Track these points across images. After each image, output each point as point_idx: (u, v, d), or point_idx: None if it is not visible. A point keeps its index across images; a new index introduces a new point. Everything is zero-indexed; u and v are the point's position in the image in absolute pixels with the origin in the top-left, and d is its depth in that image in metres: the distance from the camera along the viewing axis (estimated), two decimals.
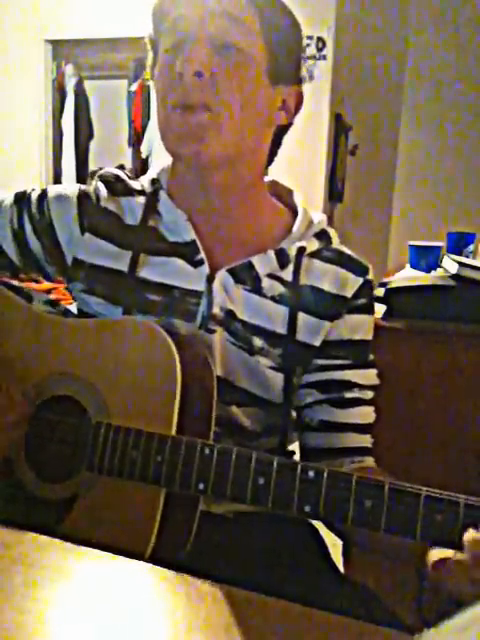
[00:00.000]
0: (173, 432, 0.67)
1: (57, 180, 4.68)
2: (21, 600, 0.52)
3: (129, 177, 0.91)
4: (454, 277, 1.39)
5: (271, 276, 0.83)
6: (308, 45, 3.71)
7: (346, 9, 3.83)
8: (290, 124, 0.85)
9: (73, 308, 0.91)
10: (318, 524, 0.84)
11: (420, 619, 0.61)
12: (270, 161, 0.87)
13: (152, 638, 0.50)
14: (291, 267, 0.83)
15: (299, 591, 0.61)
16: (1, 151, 4.53)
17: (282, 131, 0.86)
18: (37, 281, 0.96)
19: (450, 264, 1.42)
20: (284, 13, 0.79)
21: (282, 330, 0.82)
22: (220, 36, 0.74)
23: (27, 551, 0.59)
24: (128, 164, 4.70)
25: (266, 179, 0.89)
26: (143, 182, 0.89)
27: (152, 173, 0.89)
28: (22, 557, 0.58)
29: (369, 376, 0.86)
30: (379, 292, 1.42)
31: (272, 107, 0.80)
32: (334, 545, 0.92)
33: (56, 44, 4.51)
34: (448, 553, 0.58)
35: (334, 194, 4.02)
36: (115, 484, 0.69)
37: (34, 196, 0.89)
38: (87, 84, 4.66)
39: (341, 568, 0.96)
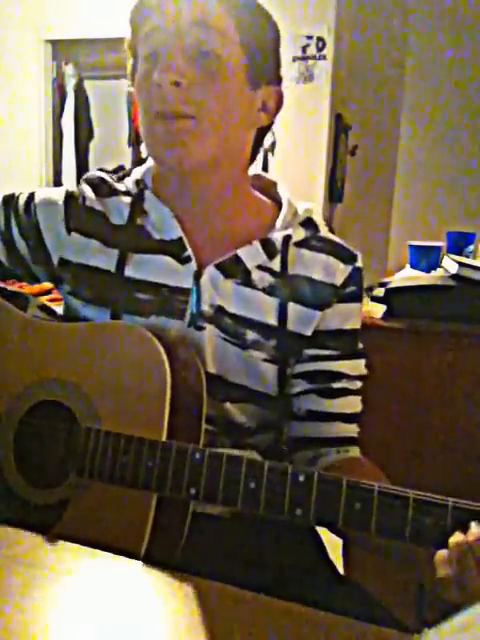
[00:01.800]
0: (164, 435, 0.67)
1: (57, 180, 4.68)
2: (21, 600, 0.52)
3: (114, 179, 0.91)
4: (454, 277, 1.39)
5: (260, 268, 0.83)
6: (308, 45, 3.71)
7: (346, 9, 3.83)
8: (271, 124, 0.85)
9: (60, 310, 0.91)
10: None
11: (420, 619, 0.61)
12: (251, 160, 0.87)
13: (152, 638, 0.50)
14: (279, 257, 0.83)
15: (297, 591, 0.61)
16: (1, 151, 4.53)
17: (263, 131, 0.86)
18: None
19: (450, 264, 1.42)
20: (260, 16, 0.79)
21: (274, 321, 0.82)
22: (197, 45, 0.74)
23: (27, 551, 0.59)
24: (128, 164, 4.69)
25: (251, 172, 0.89)
26: (127, 183, 0.89)
27: (136, 174, 0.90)
28: (22, 557, 0.58)
29: (357, 366, 0.87)
30: (379, 292, 1.42)
31: (252, 110, 0.80)
32: (334, 545, 0.92)
33: (56, 44, 4.50)
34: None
35: (334, 194, 4.02)
36: (106, 488, 0.69)
37: (22, 199, 0.90)
38: (87, 84, 4.65)
39: (340, 568, 0.96)
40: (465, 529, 0.55)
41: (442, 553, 0.56)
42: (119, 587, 0.56)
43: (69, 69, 4.57)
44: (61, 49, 4.54)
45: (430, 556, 0.59)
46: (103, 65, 4.61)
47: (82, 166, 4.64)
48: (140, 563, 0.59)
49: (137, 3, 0.80)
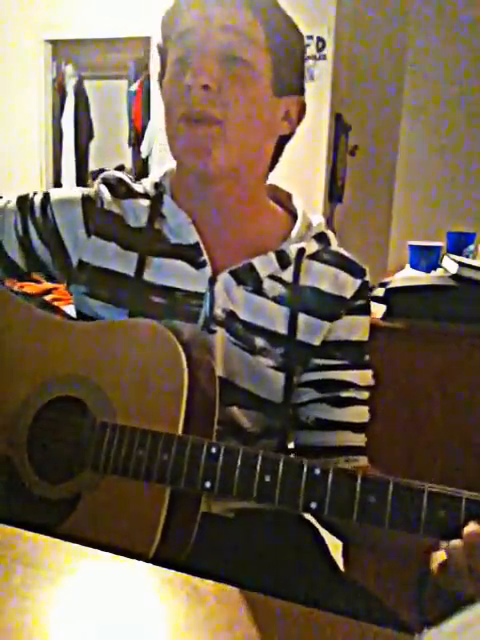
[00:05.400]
0: (179, 432, 0.67)
1: (57, 180, 4.68)
2: (21, 600, 0.52)
3: (131, 180, 0.91)
4: (454, 277, 1.38)
5: (272, 277, 0.83)
6: (308, 45, 3.71)
7: (346, 9, 3.83)
8: (292, 133, 0.86)
9: (68, 309, 0.91)
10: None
11: (420, 619, 0.61)
12: (271, 168, 0.88)
13: (152, 638, 0.50)
14: (291, 268, 0.84)
15: (299, 591, 0.62)
16: (1, 151, 4.53)
17: (284, 140, 0.87)
18: (38, 281, 0.97)
19: (450, 264, 1.42)
20: (289, 26, 0.81)
21: (283, 330, 0.83)
22: (227, 50, 0.75)
23: (27, 551, 0.59)
24: (128, 164, 4.70)
25: (266, 183, 0.90)
26: (145, 185, 0.90)
27: (155, 177, 0.90)
28: (22, 557, 0.58)
29: (365, 377, 0.87)
30: (379, 292, 1.42)
31: (276, 118, 0.82)
32: (334, 545, 0.92)
33: (56, 44, 4.51)
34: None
35: (334, 194, 4.03)
36: (119, 484, 0.69)
37: (37, 200, 0.89)
38: (87, 84, 4.66)
39: (341, 567, 0.96)
40: (479, 520, 0.56)
41: (455, 542, 0.57)
42: (119, 587, 0.56)
43: (69, 69, 4.57)
44: (61, 49, 4.55)
45: (437, 549, 0.59)
46: (103, 65, 4.62)
47: (82, 166, 4.65)
48: (141, 563, 0.59)
49: (170, 6, 0.81)
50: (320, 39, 3.74)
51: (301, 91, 0.85)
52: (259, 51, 0.77)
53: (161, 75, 0.83)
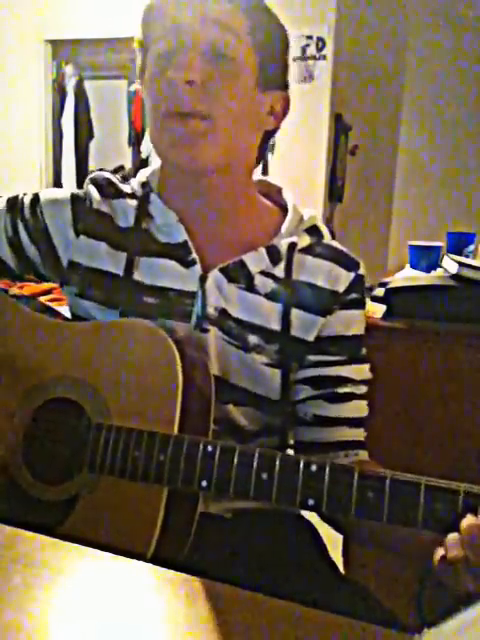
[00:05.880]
0: (175, 432, 0.67)
1: (57, 180, 4.68)
2: (21, 600, 0.52)
3: (120, 180, 0.91)
4: (454, 277, 1.39)
5: (264, 273, 0.83)
6: (308, 45, 3.71)
7: (346, 9, 3.83)
8: (277, 128, 0.86)
9: (63, 310, 0.91)
10: (317, 522, 0.84)
11: (420, 619, 0.61)
12: (257, 163, 0.88)
13: (152, 638, 0.50)
14: (283, 263, 0.84)
15: (298, 590, 0.61)
16: (1, 151, 4.53)
17: (269, 135, 0.86)
18: (37, 281, 0.97)
19: (450, 264, 1.42)
20: (273, 21, 0.81)
21: (276, 326, 0.83)
22: (212, 45, 0.75)
23: (27, 551, 0.59)
24: (128, 164, 4.69)
25: (255, 178, 0.90)
26: (133, 185, 0.90)
27: (142, 176, 0.90)
28: (22, 557, 0.58)
29: (362, 371, 0.87)
30: (379, 292, 1.42)
31: (261, 113, 0.81)
32: (334, 545, 0.92)
33: (56, 44, 4.51)
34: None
35: (334, 194, 4.02)
36: (116, 485, 0.69)
37: (27, 201, 0.89)
38: (87, 84, 4.65)
39: (340, 567, 0.96)
40: (477, 513, 0.56)
41: (454, 535, 0.57)
42: (119, 587, 0.56)
43: (69, 69, 4.57)
44: (61, 49, 4.54)
45: (438, 544, 0.59)
46: (103, 65, 4.61)
47: (82, 166, 4.64)
48: (141, 563, 0.59)
49: (150, 1, 0.80)
50: (320, 39, 3.73)
51: (285, 86, 0.85)
52: (244, 46, 0.76)
53: (142, 71, 0.82)
